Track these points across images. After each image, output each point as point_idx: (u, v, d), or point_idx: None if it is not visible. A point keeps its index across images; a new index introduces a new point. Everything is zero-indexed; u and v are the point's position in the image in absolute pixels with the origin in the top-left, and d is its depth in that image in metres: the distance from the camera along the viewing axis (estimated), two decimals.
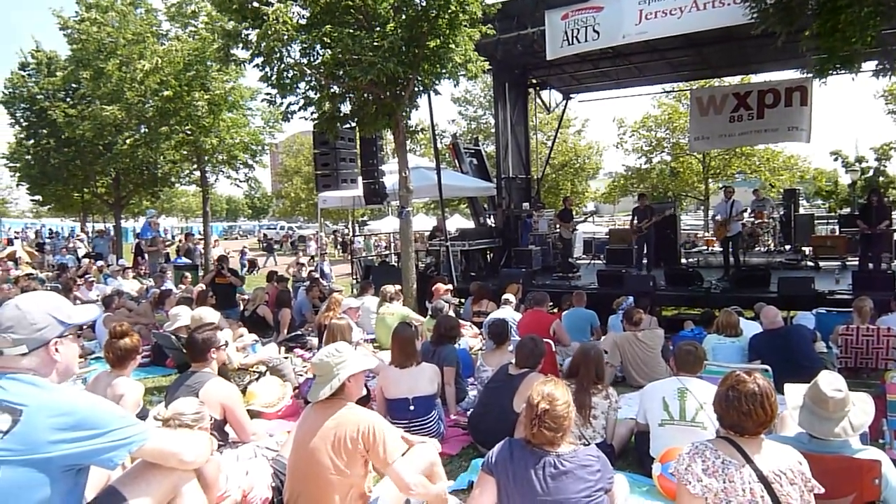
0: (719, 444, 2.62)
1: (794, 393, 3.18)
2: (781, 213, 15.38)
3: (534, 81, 16.82)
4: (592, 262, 15.85)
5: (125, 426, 2.24)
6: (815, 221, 17.90)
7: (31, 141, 21.96)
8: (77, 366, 2.50)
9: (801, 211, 18.19)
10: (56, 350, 2.26)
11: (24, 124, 21.94)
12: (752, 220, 14.22)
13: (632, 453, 4.58)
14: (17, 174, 23.80)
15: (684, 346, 4.33)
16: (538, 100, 17.70)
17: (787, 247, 14.75)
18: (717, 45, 13.48)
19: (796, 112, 14.62)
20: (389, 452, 3.04)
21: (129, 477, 2.54)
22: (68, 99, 20.04)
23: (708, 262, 14.51)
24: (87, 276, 14.07)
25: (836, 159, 31.81)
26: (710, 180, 31.27)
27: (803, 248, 14.32)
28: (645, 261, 12.61)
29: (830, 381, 2.99)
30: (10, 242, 25.99)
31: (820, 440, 2.98)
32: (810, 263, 13.16)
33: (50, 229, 34.11)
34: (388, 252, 22.87)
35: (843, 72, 8.89)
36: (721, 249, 12.62)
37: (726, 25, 9.92)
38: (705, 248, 16.23)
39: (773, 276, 10.18)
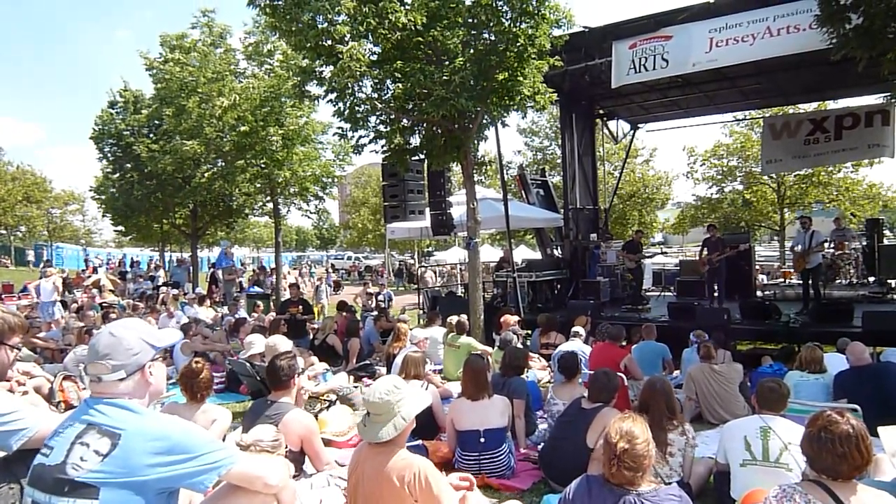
0: (809, 487, 2.50)
1: (893, 436, 3.02)
2: (864, 243, 14.74)
3: (601, 112, 16.73)
4: (662, 293, 15.51)
5: (214, 450, 2.32)
6: None
7: (117, 175, 23.11)
8: (165, 387, 2.62)
9: (886, 241, 17.30)
10: (150, 373, 2.38)
11: (111, 159, 23.11)
12: (832, 251, 13.64)
13: (711, 494, 4.42)
14: (103, 206, 25.09)
15: (767, 383, 4.16)
16: (605, 130, 17.57)
17: (871, 279, 14.04)
18: (791, 72, 13.02)
19: (878, 131, 14.00)
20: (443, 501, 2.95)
21: (215, 499, 2.61)
22: (151, 135, 20.98)
23: (785, 294, 13.98)
24: (166, 305, 14.65)
25: None
26: (785, 210, 30.15)
27: (889, 281, 13.56)
28: (716, 294, 12.18)
29: None
30: (94, 270, 27.34)
31: None
32: None
33: (131, 259, 35.68)
34: (453, 283, 23.10)
35: None
36: (800, 282, 12.12)
37: (802, 52, 9.58)
38: (782, 279, 15.64)
39: (856, 310, 9.72)
